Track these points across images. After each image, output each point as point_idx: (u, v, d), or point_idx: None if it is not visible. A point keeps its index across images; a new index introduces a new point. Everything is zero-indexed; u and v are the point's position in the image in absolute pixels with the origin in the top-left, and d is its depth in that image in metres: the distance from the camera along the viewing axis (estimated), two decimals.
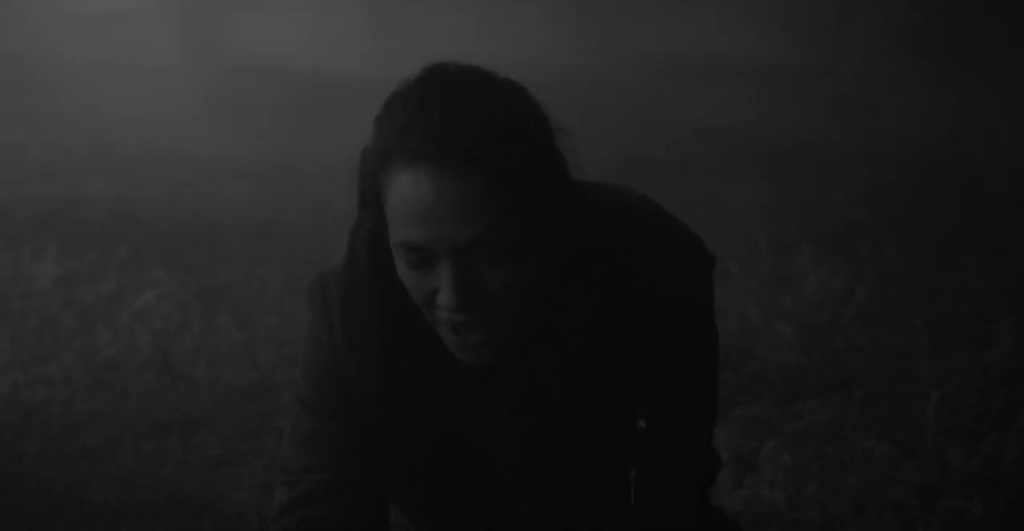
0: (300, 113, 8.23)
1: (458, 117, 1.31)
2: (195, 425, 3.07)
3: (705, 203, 5.26)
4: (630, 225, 1.46)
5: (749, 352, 3.42)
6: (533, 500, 1.58)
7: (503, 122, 1.33)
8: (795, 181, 5.82)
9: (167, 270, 4.33)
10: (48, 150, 6.86)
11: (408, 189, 1.32)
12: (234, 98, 8.83)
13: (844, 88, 8.92)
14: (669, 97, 8.71)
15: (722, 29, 10.96)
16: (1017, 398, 3.13)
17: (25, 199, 5.60)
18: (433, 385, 1.50)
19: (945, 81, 8.93)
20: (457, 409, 1.52)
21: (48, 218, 5.20)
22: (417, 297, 1.38)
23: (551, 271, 1.41)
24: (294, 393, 1.58)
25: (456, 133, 1.31)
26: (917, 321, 3.69)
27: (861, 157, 6.42)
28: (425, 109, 1.32)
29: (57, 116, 8.04)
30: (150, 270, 4.33)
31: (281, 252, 4.66)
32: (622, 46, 10.97)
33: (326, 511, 1.52)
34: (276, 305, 3.98)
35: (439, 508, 1.64)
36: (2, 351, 3.59)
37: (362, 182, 1.39)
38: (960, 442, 2.85)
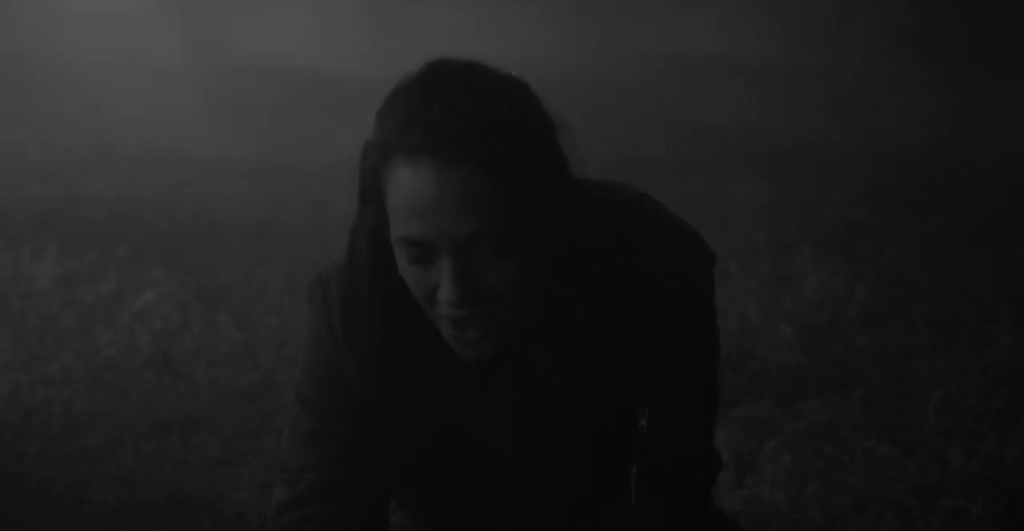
0: (300, 113, 8.22)
1: (459, 112, 1.31)
2: (195, 425, 3.07)
3: (705, 203, 5.25)
4: (630, 223, 1.46)
5: (749, 352, 3.42)
6: (533, 500, 1.58)
7: (504, 117, 1.33)
8: (795, 181, 5.82)
9: (167, 270, 4.33)
10: (48, 150, 6.86)
11: (409, 184, 1.32)
12: (234, 98, 8.83)
13: (844, 88, 8.92)
14: (669, 97, 8.71)
15: (722, 29, 10.96)
16: (1017, 398, 3.13)
17: (25, 199, 5.60)
18: (433, 384, 1.50)
19: (945, 81, 8.93)
20: (457, 409, 1.52)
21: (48, 218, 5.20)
22: (417, 292, 1.38)
23: (551, 267, 1.41)
24: (294, 392, 1.58)
25: (457, 128, 1.31)
26: (917, 321, 3.69)
27: (861, 157, 6.41)
28: (426, 104, 1.32)
29: (57, 116, 8.04)
30: (150, 270, 4.33)
31: (281, 252, 4.66)
32: (622, 46, 10.97)
33: (326, 510, 1.52)
34: (276, 305, 3.98)
35: (439, 508, 1.64)
36: (2, 351, 3.59)
37: (363, 178, 1.39)
38: (960, 442, 2.85)
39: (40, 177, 6.14)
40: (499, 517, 1.61)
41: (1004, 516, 2.54)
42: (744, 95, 8.61)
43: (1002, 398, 3.14)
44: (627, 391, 1.52)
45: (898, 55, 9.81)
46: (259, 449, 2.94)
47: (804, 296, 3.92)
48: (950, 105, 8.06)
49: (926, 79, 9.03)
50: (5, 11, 11.38)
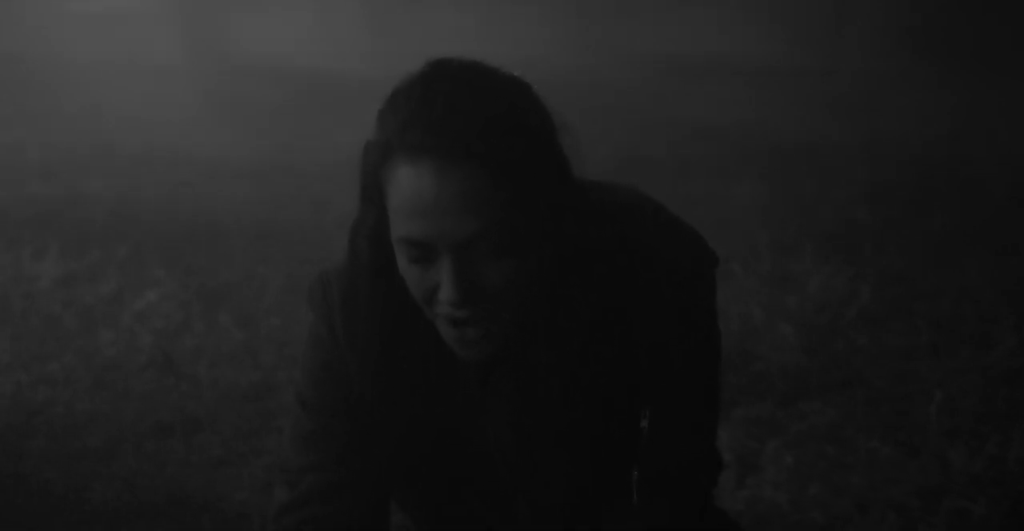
0: (300, 113, 8.22)
1: (460, 111, 1.31)
2: (196, 425, 3.07)
3: (705, 203, 5.25)
4: (631, 224, 1.46)
5: (750, 352, 3.42)
6: (533, 501, 1.58)
7: (506, 117, 1.33)
8: (795, 181, 5.82)
9: (168, 270, 4.33)
10: (48, 150, 6.86)
11: (410, 184, 1.32)
12: (234, 98, 8.83)
13: (844, 88, 8.92)
14: (669, 97, 8.71)
15: (722, 29, 10.96)
16: (1019, 398, 3.13)
17: (25, 199, 5.61)
18: (433, 386, 1.49)
19: (945, 81, 8.92)
20: (457, 410, 1.52)
21: (48, 218, 5.21)
22: (417, 293, 1.38)
23: (552, 268, 1.40)
24: (294, 392, 1.58)
25: (458, 127, 1.30)
26: (918, 321, 3.69)
27: (861, 157, 6.41)
28: (427, 103, 1.32)
29: (57, 116, 8.04)
30: (151, 270, 4.33)
31: (281, 252, 4.66)
32: (622, 46, 10.96)
33: (326, 511, 1.52)
34: (277, 305, 3.98)
35: (439, 509, 1.63)
36: (3, 351, 3.59)
37: (364, 177, 1.39)
38: (963, 442, 2.85)
39: (40, 177, 6.14)
40: (499, 518, 1.61)
41: (1007, 517, 2.54)
42: (744, 95, 8.61)
43: (1003, 398, 3.14)
44: (628, 393, 1.52)
45: (898, 55, 9.80)
46: (260, 449, 2.94)
47: (805, 296, 3.92)
48: (950, 105, 8.06)
49: (926, 79, 9.02)
50: (5, 11, 11.38)
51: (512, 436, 1.51)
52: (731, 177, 5.92)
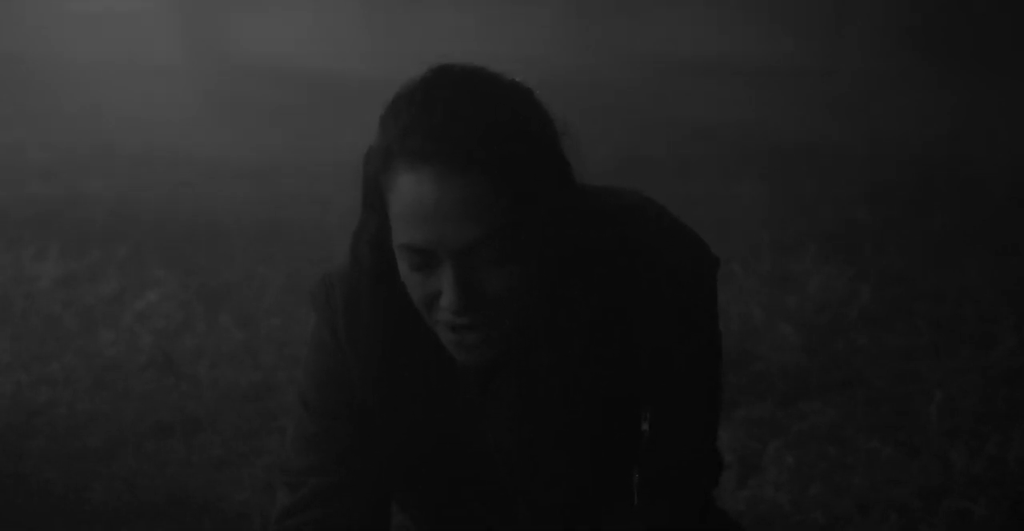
0: (300, 113, 8.23)
1: (461, 118, 1.31)
2: (197, 425, 3.07)
3: (705, 203, 5.25)
4: (632, 227, 1.46)
5: (751, 353, 3.41)
6: (534, 503, 1.58)
7: (507, 123, 1.32)
8: (795, 181, 5.82)
9: (168, 270, 4.33)
10: (48, 150, 6.87)
11: (410, 190, 1.31)
12: (234, 98, 8.84)
13: (844, 88, 8.92)
14: (669, 97, 8.71)
15: (722, 29, 10.96)
16: (1019, 399, 3.13)
17: (25, 199, 5.61)
18: (433, 391, 1.49)
19: (945, 81, 8.93)
20: (457, 415, 1.52)
21: (48, 218, 5.21)
22: (418, 299, 1.38)
23: (553, 272, 1.40)
24: (297, 394, 1.58)
25: (459, 134, 1.30)
26: (918, 321, 3.69)
27: (861, 157, 6.42)
28: (428, 110, 1.31)
29: (57, 116, 8.04)
30: (151, 270, 4.33)
31: (282, 252, 4.66)
32: (622, 46, 10.97)
33: (328, 514, 1.52)
34: (277, 305, 3.98)
35: (440, 511, 1.63)
36: (4, 351, 3.59)
37: (365, 183, 1.38)
38: (964, 443, 2.85)
39: (40, 177, 6.14)
40: (500, 519, 1.61)
41: (1008, 517, 2.54)
42: (744, 95, 8.62)
43: (1003, 398, 3.14)
44: (629, 395, 1.52)
45: (898, 55, 9.81)
46: (260, 449, 2.94)
47: (805, 296, 3.92)
48: (950, 105, 8.06)
49: (926, 79, 9.03)
50: (5, 11, 11.38)
51: (512, 439, 1.51)
52: (731, 177, 5.92)
